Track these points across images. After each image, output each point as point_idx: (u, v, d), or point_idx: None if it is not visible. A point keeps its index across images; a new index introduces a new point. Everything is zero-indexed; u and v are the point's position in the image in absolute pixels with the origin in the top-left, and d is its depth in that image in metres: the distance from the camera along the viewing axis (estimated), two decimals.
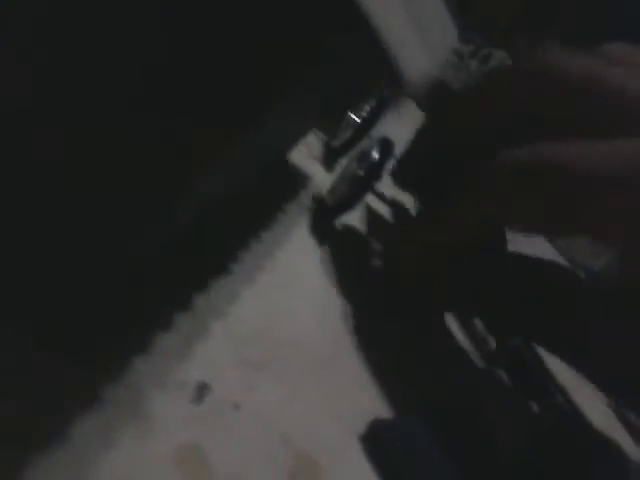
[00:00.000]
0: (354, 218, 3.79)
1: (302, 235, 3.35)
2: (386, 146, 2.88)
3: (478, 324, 3.22)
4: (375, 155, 2.88)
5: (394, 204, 2.51)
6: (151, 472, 1.46)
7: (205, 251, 2.47)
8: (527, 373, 2.85)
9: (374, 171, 2.87)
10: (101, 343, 1.79)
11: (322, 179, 3.62)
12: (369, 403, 2.69)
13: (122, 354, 1.74)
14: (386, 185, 3.27)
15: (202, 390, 1.76)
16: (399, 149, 2.43)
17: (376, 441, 2.06)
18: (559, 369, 3.35)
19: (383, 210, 3.57)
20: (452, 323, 2.62)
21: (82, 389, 1.60)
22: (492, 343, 3.46)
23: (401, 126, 3.43)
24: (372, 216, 2.25)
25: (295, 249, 3.11)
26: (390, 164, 2.69)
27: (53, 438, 1.41)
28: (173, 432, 1.64)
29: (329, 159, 3.89)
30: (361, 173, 2.87)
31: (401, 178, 2.94)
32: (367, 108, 3.50)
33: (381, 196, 2.34)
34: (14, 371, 1.53)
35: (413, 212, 2.38)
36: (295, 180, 3.70)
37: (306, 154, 3.74)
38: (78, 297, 1.55)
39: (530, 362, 2.85)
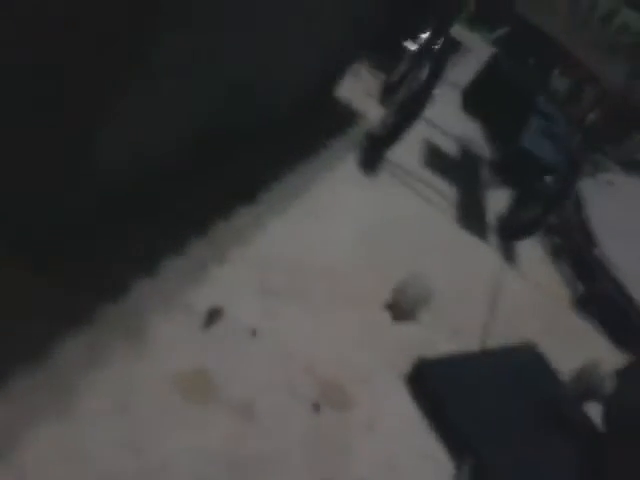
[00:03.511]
0: (412, 154, 3.46)
1: (349, 169, 3.06)
2: (436, 64, 2.58)
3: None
4: (424, 75, 2.57)
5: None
6: (145, 394, 1.28)
7: (228, 173, 2.24)
8: (619, 316, 2.68)
9: (424, 90, 2.58)
10: (95, 259, 1.59)
11: (376, 116, 3.30)
12: (412, 337, 2.41)
13: (122, 273, 1.56)
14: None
15: (214, 315, 1.57)
16: (463, 78, 2.24)
17: (422, 378, 1.84)
18: None
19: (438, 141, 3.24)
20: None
21: (70, 307, 1.43)
22: (580, 287, 3.13)
23: (468, 59, 3.10)
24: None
25: (339, 182, 2.83)
26: (440, 84, 2.41)
27: (35, 355, 1.25)
28: (176, 357, 1.46)
29: (385, 96, 3.58)
30: (410, 94, 2.59)
31: (468, 104, 2.81)
32: (422, 38, 3.15)
33: (437, 124, 2.17)
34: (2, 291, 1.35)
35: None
36: (345, 117, 3.40)
37: (362, 92, 3.42)
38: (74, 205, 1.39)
39: (620, 304, 2.69)
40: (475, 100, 3.98)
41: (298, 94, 3.16)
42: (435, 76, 3.22)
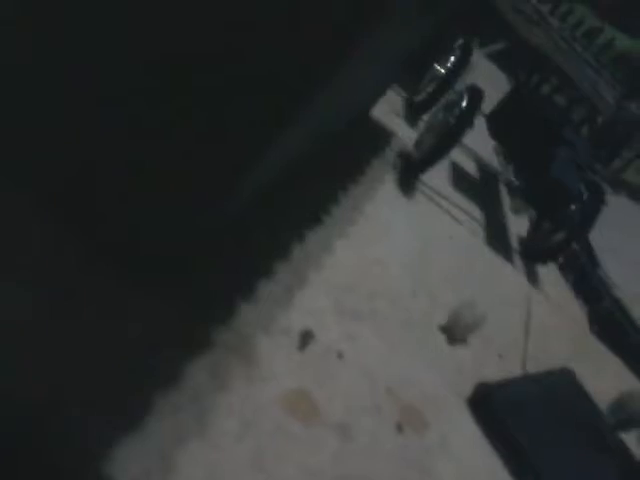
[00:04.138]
0: (440, 175, 3.63)
1: (388, 190, 3.22)
2: (476, 94, 2.76)
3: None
4: (464, 102, 2.75)
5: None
6: (264, 415, 1.41)
7: (298, 204, 2.38)
8: (622, 335, 2.86)
9: (465, 119, 2.76)
10: (205, 286, 1.73)
11: (405, 135, 3.48)
12: (465, 359, 2.58)
13: (227, 299, 1.69)
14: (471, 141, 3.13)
15: (306, 337, 1.70)
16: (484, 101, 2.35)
17: (486, 401, 1.99)
18: None
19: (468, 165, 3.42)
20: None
21: (191, 331, 1.56)
22: (587, 308, 3.32)
23: (482, 80, 3.24)
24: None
25: (383, 203, 2.99)
26: (479, 112, 2.59)
27: (169, 378, 1.36)
28: (281, 377, 1.58)
29: (412, 115, 3.76)
30: (452, 121, 2.76)
31: (493, 129, 2.94)
32: (451, 60, 3.34)
33: (465, 147, 2.32)
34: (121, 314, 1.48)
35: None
36: (379, 137, 3.56)
37: (388, 111, 3.59)
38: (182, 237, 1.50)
39: (624, 325, 2.86)
40: (500, 125, 4.13)
41: (347, 122, 3.27)
42: (476, 105, 3.35)
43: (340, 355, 2.03)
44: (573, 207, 3.67)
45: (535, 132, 3.89)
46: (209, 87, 1.44)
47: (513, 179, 4.06)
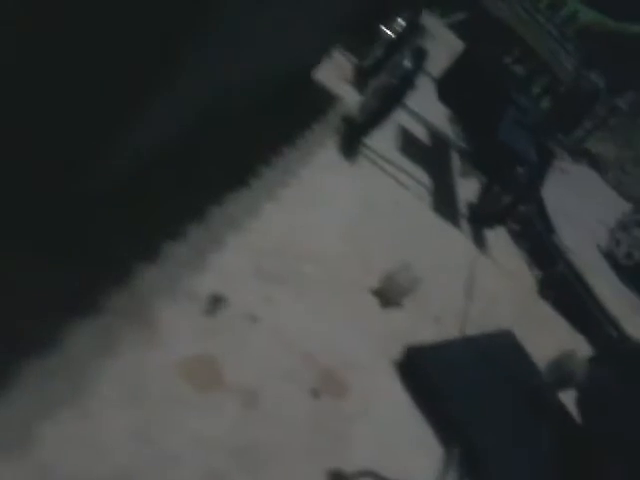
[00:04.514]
0: (388, 140, 3.50)
1: (330, 154, 3.06)
2: (419, 55, 2.60)
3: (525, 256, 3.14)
4: (408, 63, 2.59)
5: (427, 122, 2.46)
6: (156, 382, 1.28)
7: (222, 162, 2.23)
8: (575, 300, 2.82)
9: (408, 80, 2.61)
10: (101, 246, 1.58)
11: (352, 100, 3.32)
12: (398, 323, 2.46)
13: (126, 260, 1.55)
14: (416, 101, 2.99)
15: (216, 302, 1.56)
16: (434, 65, 2.25)
17: (416, 365, 1.89)
18: (609, 298, 3.19)
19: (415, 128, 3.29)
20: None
21: (81, 294, 1.40)
22: (539, 273, 3.27)
23: (434, 46, 3.11)
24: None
25: (322, 168, 2.84)
26: (422, 73, 2.45)
27: (47, 344, 1.22)
28: (183, 343, 1.45)
29: (360, 80, 3.58)
30: (393, 82, 2.60)
31: (443, 93, 2.85)
32: (400, 24, 3.17)
33: (413, 111, 2.21)
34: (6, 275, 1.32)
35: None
36: (323, 100, 3.40)
37: (336, 76, 3.41)
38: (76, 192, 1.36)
39: (578, 290, 2.83)
40: (450, 90, 4.03)
41: (281, 80, 3.15)
42: (418, 65, 3.25)
43: (254, 320, 1.92)
44: (521, 170, 3.60)
45: (483, 95, 3.79)
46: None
47: (463, 144, 3.98)
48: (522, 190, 3.50)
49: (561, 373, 2.37)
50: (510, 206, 3.59)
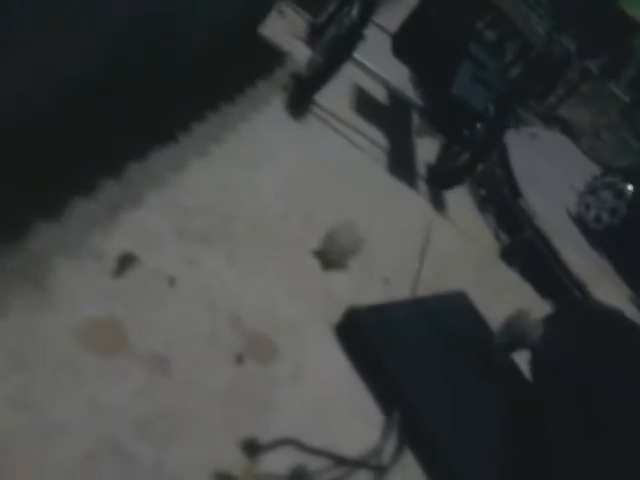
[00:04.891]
0: (341, 99, 3.30)
1: (274, 111, 2.85)
2: (368, 4, 2.41)
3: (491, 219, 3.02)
4: (355, 14, 2.39)
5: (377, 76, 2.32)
6: (46, 347, 1.11)
7: (143, 113, 2.01)
8: (542, 266, 2.71)
9: (354, 30, 2.41)
10: None
11: (304, 57, 3.08)
12: (341, 286, 2.28)
13: (22, 216, 1.36)
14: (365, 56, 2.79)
15: (126, 261, 1.38)
16: (391, 23, 2.07)
17: (355, 327, 1.73)
18: (577, 263, 3.07)
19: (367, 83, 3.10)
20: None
21: None
22: (507, 238, 3.13)
23: (397, 7, 2.88)
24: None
25: (265, 125, 2.63)
26: (369, 23, 2.25)
27: None
28: (82, 306, 1.27)
29: (313, 37, 3.35)
30: (340, 34, 2.41)
31: (398, 49, 2.68)
32: None
33: (368, 68, 2.05)
34: None
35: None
36: (272, 58, 3.16)
37: (288, 33, 3.19)
38: None
39: (545, 256, 2.71)
40: (405, 45, 3.88)
41: (219, 30, 2.96)
42: (365, 15, 3.09)
43: (172, 281, 1.79)
44: (478, 126, 3.46)
45: (439, 50, 3.64)
46: None
47: (420, 102, 3.83)
48: (479, 147, 3.37)
49: (513, 333, 2.27)
50: (468, 165, 3.47)
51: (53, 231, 1.61)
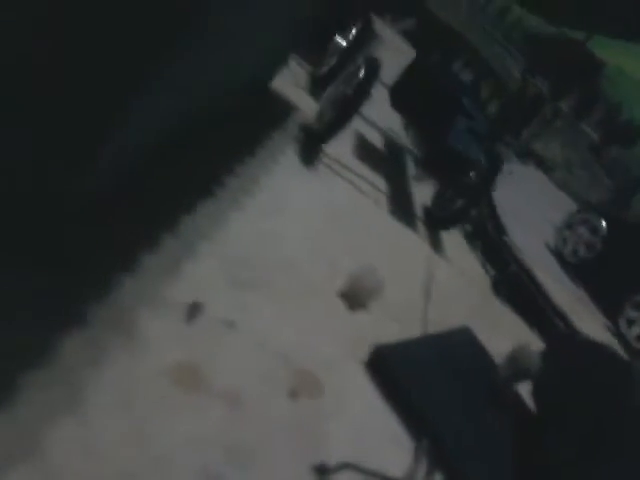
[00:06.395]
0: (344, 147, 3.64)
1: (289, 162, 3.19)
2: (373, 65, 2.77)
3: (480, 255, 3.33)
4: (362, 73, 2.74)
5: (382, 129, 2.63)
6: (145, 388, 1.36)
7: (183, 171, 2.32)
8: (527, 297, 3.03)
9: (362, 90, 2.76)
10: (81, 259, 1.65)
11: (309, 107, 3.45)
12: (364, 324, 2.59)
13: (107, 272, 1.62)
14: (373, 110, 3.16)
15: (194, 309, 1.65)
16: (386, 73, 2.39)
17: (382, 363, 2.02)
18: (558, 295, 3.40)
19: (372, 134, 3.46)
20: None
21: (66, 307, 1.48)
22: (493, 272, 3.46)
23: (386, 53, 3.28)
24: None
25: (283, 175, 2.96)
26: (376, 82, 2.61)
27: (40, 357, 1.29)
28: (166, 350, 1.54)
29: (315, 87, 3.73)
30: (349, 92, 2.75)
31: (395, 101, 3.02)
32: (352, 33, 3.33)
33: (368, 119, 2.36)
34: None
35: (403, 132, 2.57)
36: (281, 109, 3.52)
37: (292, 84, 3.54)
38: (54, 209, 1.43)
39: (529, 288, 3.05)
40: (402, 97, 4.17)
41: (241, 91, 3.22)
42: (372, 76, 3.36)
43: (231, 325, 2.00)
44: (472, 174, 3.76)
45: (434, 103, 3.95)
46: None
47: (416, 150, 4.12)
48: (473, 193, 3.67)
49: (516, 366, 2.52)
50: (463, 209, 3.76)
51: (131, 284, 1.81)
